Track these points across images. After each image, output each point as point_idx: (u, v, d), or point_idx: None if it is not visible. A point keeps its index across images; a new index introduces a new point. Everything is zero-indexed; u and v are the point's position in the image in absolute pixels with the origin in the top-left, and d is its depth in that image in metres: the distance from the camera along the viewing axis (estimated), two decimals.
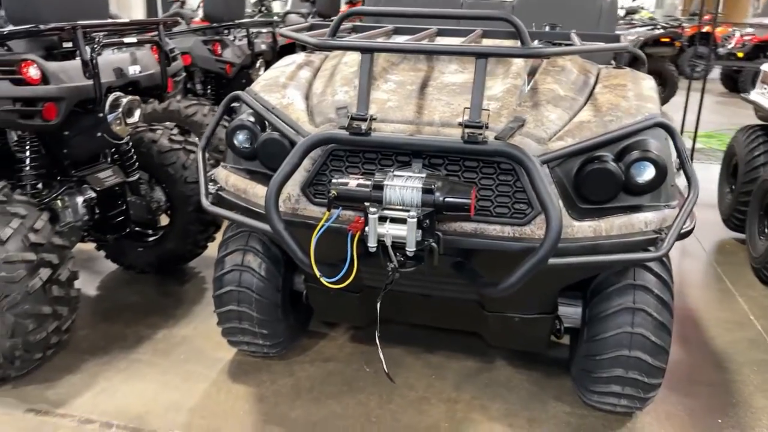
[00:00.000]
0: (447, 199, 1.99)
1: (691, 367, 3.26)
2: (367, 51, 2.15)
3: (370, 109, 2.34)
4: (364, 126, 2.10)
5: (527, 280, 2.07)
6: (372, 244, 1.98)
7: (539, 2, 4.10)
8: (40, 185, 3.22)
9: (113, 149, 3.55)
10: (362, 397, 2.96)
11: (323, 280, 2.14)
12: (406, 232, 1.94)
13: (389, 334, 3.42)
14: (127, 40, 3.20)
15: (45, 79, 2.81)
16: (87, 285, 4.01)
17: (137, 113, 3.28)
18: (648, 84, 2.66)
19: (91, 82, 2.94)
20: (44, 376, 3.03)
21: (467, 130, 2.04)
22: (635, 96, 2.48)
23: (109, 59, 3.18)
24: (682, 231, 2.29)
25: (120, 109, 3.16)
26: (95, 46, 2.92)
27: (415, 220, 1.93)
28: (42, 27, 2.76)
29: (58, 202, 3.28)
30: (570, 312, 2.77)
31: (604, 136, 2.21)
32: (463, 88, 2.43)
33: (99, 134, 3.20)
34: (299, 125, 2.39)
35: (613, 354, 2.58)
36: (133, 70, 3.28)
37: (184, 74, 3.81)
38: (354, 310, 2.88)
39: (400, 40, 2.82)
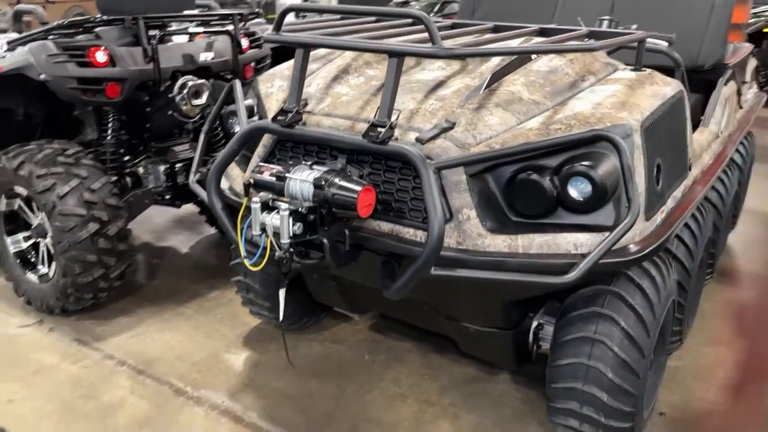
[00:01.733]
0: (335, 196, 2.01)
1: None
2: (300, 46, 2.22)
3: (323, 102, 2.43)
4: (287, 118, 2.18)
5: (426, 286, 2.02)
6: (255, 231, 2.07)
7: None
8: (123, 154, 3.75)
9: (194, 127, 3.98)
10: (345, 383, 3.04)
11: (245, 261, 2.27)
12: (279, 223, 1.99)
13: (402, 328, 3.43)
14: (192, 29, 3.58)
15: (113, 62, 3.28)
16: (181, 245, 4.57)
17: (205, 95, 3.66)
18: (650, 91, 2.35)
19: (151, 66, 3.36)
20: (104, 315, 3.58)
21: (373, 129, 2.03)
22: (614, 103, 2.22)
23: (181, 46, 3.59)
24: (622, 259, 2.03)
25: (185, 91, 3.56)
26: (157, 34, 3.33)
27: (287, 212, 1.98)
28: (104, 18, 3.23)
29: (141, 169, 3.80)
30: (548, 333, 2.58)
31: (523, 146, 2.03)
32: (427, 85, 2.38)
33: (170, 113, 3.64)
34: (266, 113, 2.53)
35: (567, 384, 2.37)
36: (205, 57, 3.66)
37: (269, 61, 4.11)
38: (336, 296, 2.96)
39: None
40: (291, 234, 1.99)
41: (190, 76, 3.60)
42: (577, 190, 2.04)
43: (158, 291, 3.87)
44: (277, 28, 2.27)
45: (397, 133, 2.16)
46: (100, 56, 3.24)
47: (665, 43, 2.86)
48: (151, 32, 3.49)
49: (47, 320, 3.52)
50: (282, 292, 2.35)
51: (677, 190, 2.50)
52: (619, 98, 2.26)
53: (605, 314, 2.30)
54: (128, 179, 3.76)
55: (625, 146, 1.98)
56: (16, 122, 3.84)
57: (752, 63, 4.51)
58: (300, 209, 2.01)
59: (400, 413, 2.84)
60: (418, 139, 2.11)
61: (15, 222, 3.61)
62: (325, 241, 2.07)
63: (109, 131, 3.62)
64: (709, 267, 3.72)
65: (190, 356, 3.22)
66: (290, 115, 2.19)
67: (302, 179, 2.05)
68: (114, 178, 3.56)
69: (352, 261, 2.26)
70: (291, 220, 1.99)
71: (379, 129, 2.02)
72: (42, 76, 3.16)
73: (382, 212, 2.20)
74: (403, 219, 2.16)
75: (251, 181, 2.19)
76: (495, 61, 2.43)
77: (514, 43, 2.61)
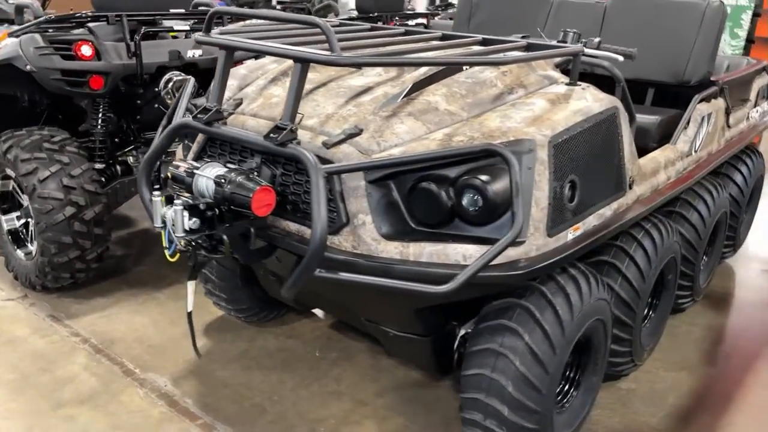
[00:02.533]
0: (232, 194, 2.08)
1: None
2: (222, 48, 2.31)
3: (254, 103, 2.51)
4: (206, 116, 2.27)
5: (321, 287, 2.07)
6: (156, 224, 2.17)
7: (633, 7, 3.66)
8: (113, 143, 3.94)
9: None
10: (287, 377, 3.12)
11: (165, 252, 2.37)
12: (174, 216, 2.08)
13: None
14: (177, 27, 3.73)
15: (98, 56, 3.47)
16: None
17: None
18: (574, 107, 2.31)
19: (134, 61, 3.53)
20: (83, 294, 3.77)
21: (275, 131, 2.09)
22: (527, 118, 2.21)
23: (169, 43, 3.75)
24: (504, 273, 2.03)
25: (170, 86, 3.71)
26: (141, 30, 3.49)
27: (181, 206, 2.06)
28: (89, 14, 3.42)
29: (131, 158, 3.99)
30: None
31: (412, 156, 2.05)
32: (353, 91, 2.42)
33: (156, 106, 3.81)
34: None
35: (472, 395, 2.37)
36: (192, 54, 3.81)
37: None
38: (272, 286, 3.03)
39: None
40: (186, 228, 2.08)
41: (176, 72, 3.74)
42: (470, 203, 2.05)
43: (140, 276, 4.05)
44: (207, 30, 2.37)
45: (308, 136, 2.23)
46: (86, 50, 3.42)
47: (620, 57, 2.80)
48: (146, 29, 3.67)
49: (31, 296, 3.74)
50: (190, 284, 2.43)
51: (606, 209, 2.45)
52: (535, 113, 2.25)
53: (511, 327, 2.29)
54: (118, 167, 3.96)
55: (514, 161, 1.98)
56: (21, 109, 4.10)
57: (763, 80, 4.32)
58: (199, 205, 2.10)
59: (331, 410, 2.90)
60: (324, 143, 2.17)
61: (11, 202, 3.85)
62: (224, 237, 2.14)
63: (99, 121, 3.81)
64: (686, 289, 3.60)
65: (149, 339, 3.37)
66: (210, 113, 2.28)
67: (207, 176, 2.14)
68: (101, 166, 3.75)
69: (263, 258, 2.33)
70: (187, 214, 2.07)
71: (282, 131, 2.09)
72: (28, 67, 3.37)
73: (291, 213, 2.26)
74: (307, 220, 2.21)
75: (168, 175, 2.29)
76: (423, 70, 2.45)
77: (438, 53, 2.60)
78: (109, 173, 3.89)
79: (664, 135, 3.21)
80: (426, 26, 6.20)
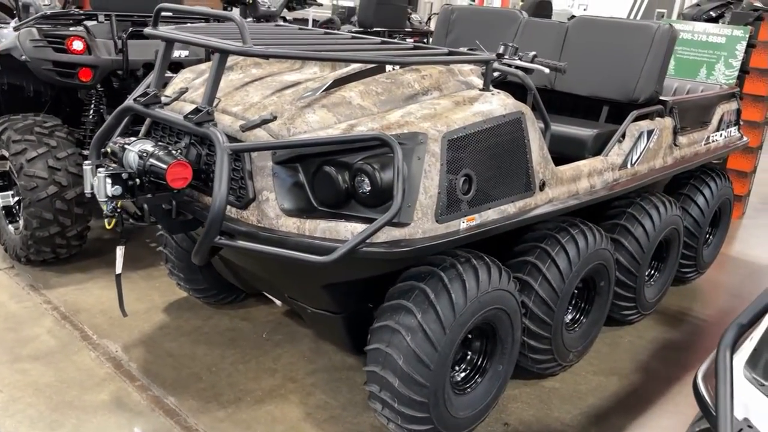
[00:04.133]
0: (151, 166, 2.34)
1: None
2: (163, 40, 2.60)
3: (197, 92, 2.78)
4: (144, 99, 2.55)
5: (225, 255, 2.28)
6: (86, 190, 2.44)
7: (591, 27, 3.85)
8: None
9: None
10: (230, 353, 3.35)
11: (105, 221, 2.64)
12: (98, 183, 2.34)
13: None
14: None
15: (89, 51, 3.81)
16: None
17: None
18: (476, 109, 2.51)
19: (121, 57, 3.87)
20: (64, 269, 4.09)
21: (194, 112, 2.35)
22: (426, 115, 2.42)
23: (158, 43, 4.05)
24: (384, 250, 2.23)
25: None
26: (128, 29, 3.83)
27: (104, 174, 2.32)
28: (81, 12, 3.77)
29: None
30: None
31: (307, 141, 2.28)
32: (283, 84, 2.67)
33: None
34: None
35: (371, 368, 2.56)
36: (179, 54, 4.12)
37: None
38: (227, 273, 3.27)
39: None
40: (108, 194, 2.34)
41: None
42: (361, 186, 2.26)
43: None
44: (154, 24, 2.66)
45: (230, 120, 2.48)
46: (77, 45, 3.77)
47: (546, 69, 2.99)
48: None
49: (18, 267, 4.08)
50: (119, 249, 2.69)
51: (509, 206, 2.63)
52: (436, 111, 2.46)
53: (407, 307, 2.48)
54: None
55: (398, 148, 2.19)
56: (27, 98, 4.48)
57: (729, 106, 4.42)
58: (122, 174, 2.36)
59: (261, 384, 3.11)
60: (240, 127, 2.41)
61: (8, 180, 4.21)
62: (144, 206, 2.40)
63: (91, 112, 4.15)
64: (629, 300, 3.71)
65: (113, 311, 3.64)
66: (147, 97, 2.56)
67: (134, 150, 2.41)
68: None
69: (187, 230, 2.58)
70: (110, 181, 2.34)
71: (200, 113, 2.34)
72: (23, 57, 3.73)
73: (212, 189, 2.51)
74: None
75: (108, 150, 2.57)
76: (347, 69, 2.68)
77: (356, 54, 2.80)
78: None
79: (603, 148, 3.36)
80: (426, 43, 6.46)
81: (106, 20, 3.83)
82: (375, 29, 6.05)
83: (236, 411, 2.91)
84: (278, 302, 3.88)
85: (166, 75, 4.00)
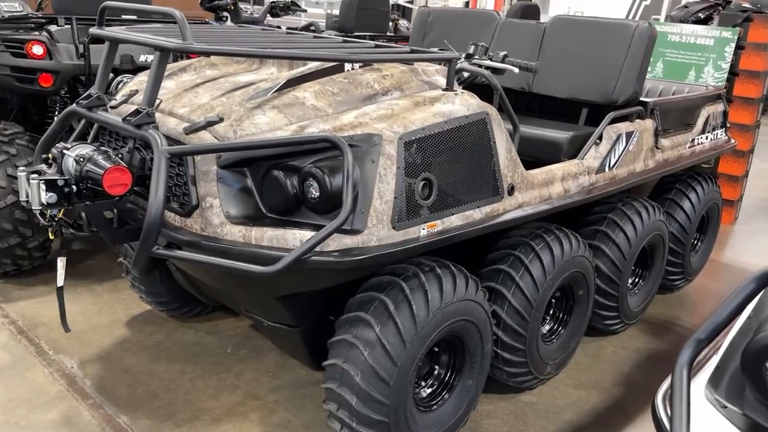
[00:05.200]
0: (88, 172, 2.19)
1: None
2: (107, 39, 2.47)
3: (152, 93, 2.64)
4: (87, 102, 2.42)
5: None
6: (21, 197, 2.29)
7: (569, 27, 3.72)
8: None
9: None
10: (190, 368, 3.19)
11: (49, 230, 2.50)
12: (31, 190, 2.20)
13: None
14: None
15: (50, 56, 3.68)
16: None
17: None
18: (435, 109, 2.37)
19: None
20: (27, 282, 3.94)
21: (133, 114, 2.21)
22: (382, 116, 2.28)
23: (123, 47, 3.94)
24: (333, 259, 2.08)
25: (119, 87, 3.90)
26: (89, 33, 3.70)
27: (36, 181, 2.18)
28: (40, 16, 3.64)
29: None
30: None
31: (252, 142, 2.14)
32: (235, 85, 2.53)
33: None
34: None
35: (328, 385, 2.41)
36: (145, 58, 4.00)
37: None
38: (182, 280, 3.12)
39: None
40: (43, 202, 2.20)
41: (128, 75, 3.93)
42: (309, 191, 2.12)
43: (87, 269, 4.20)
44: (99, 24, 2.53)
45: (174, 123, 2.34)
46: (37, 49, 3.64)
47: (516, 69, 2.86)
48: None
49: None
50: (60, 261, 2.55)
51: (475, 211, 2.49)
52: (393, 112, 2.32)
53: (365, 319, 2.33)
54: None
55: (348, 151, 2.05)
56: None
57: (715, 108, 4.28)
58: (57, 180, 2.22)
59: (220, 401, 2.96)
60: (184, 129, 2.28)
61: None
62: (82, 214, 2.26)
63: (55, 118, 4.01)
64: (611, 309, 3.56)
65: (73, 326, 3.45)
66: (90, 99, 2.43)
67: (71, 155, 2.26)
68: None
69: (130, 240, 2.43)
70: (43, 189, 2.19)
71: (139, 114, 2.20)
72: None
73: None
74: (169, 203, 2.31)
75: (50, 155, 2.42)
76: (311, 67, 2.53)
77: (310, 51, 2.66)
78: None
79: (579, 150, 3.22)
80: None
81: (66, 24, 3.70)
82: (356, 34, 5.92)
83: (191, 430, 2.75)
84: None
85: (128, 79, 3.91)
